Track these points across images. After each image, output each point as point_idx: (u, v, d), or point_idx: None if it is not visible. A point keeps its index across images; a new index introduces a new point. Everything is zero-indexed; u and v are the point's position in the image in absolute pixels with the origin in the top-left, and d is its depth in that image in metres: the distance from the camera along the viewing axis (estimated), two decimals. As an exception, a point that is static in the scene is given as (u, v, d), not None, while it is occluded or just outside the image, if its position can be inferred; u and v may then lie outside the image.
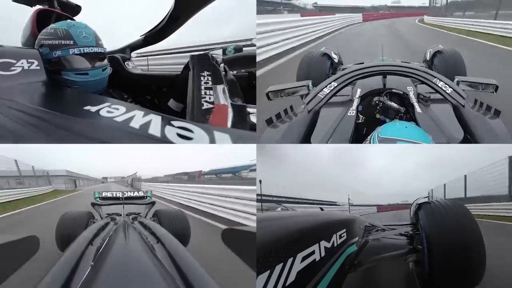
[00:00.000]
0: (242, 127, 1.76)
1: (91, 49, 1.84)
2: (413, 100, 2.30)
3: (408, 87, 2.44)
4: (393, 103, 2.29)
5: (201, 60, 2.27)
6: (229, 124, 1.75)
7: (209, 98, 1.88)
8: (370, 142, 1.63)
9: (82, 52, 1.82)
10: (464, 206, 2.06)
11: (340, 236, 1.61)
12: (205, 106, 1.83)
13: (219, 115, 1.80)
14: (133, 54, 2.99)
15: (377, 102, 2.29)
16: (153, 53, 4.70)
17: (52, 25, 1.87)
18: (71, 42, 1.80)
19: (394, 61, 3.01)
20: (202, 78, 2.08)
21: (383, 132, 1.57)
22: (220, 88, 2.01)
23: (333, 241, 1.49)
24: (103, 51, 1.92)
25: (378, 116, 2.25)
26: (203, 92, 1.93)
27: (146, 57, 4.26)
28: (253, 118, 1.89)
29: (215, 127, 1.31)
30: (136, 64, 2.98)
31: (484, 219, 7.43)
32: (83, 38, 1.83)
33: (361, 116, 2.26)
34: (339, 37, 12.86)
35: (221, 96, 1.94)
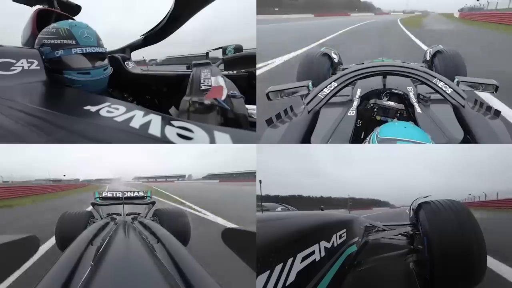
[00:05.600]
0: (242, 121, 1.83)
1: (93, 49, 1.85)
2: (413, 100, 2.30)
3: (408, 87, 2.44)
4: (389, 102, 2.29)
5: (203, 64, 2.53)
6: (223, 97, 1.89)
7: (207, 83, 2.09)
8: (369, 143, 1.62)
9: (84, 52, 1.82)
10: (465, 206, 2.06)
11: (340, 236, 1.61)
12: (203, 88, 2.02)
13: (215, 91, 1.95)
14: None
15: (372, 105, 2.29)
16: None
17: (54, 25, 1.87)
18: (73, 42, 1.80)
19: (394, 62, 3.01)
20: (202, 74, 2.25)
21: (382, 133, 1.57)
22: (217, 76, 2.23)
23: (333, 241, 1.49)
24: (104, 51, 1.93)
25: (378, 118, 2.25)
26: (202, 80, 2.14)
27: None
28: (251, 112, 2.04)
29: (215, 127, 1.31)
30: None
31: None
32: (85, 38, 1.83)
33: (359, 120, 2.26)
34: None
35: (217, 80, 2.16)
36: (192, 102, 1.80)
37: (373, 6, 75.30)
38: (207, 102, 1.79)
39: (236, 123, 1.79)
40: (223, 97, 1.88)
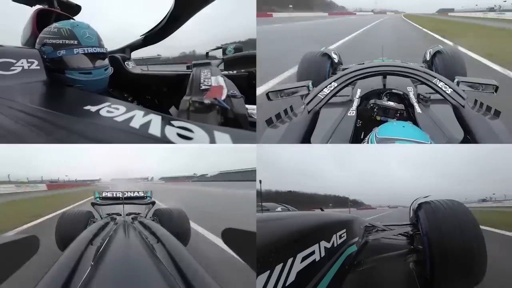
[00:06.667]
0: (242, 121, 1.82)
1: (95, 49, 1.86)
2: (413, 100, 2.30)
3: (408, 88, 2.44)
4: (389, 102, 2.29)
5: (203, 64, 2.58)
6: (223, 96, 1.88)
7: (207, 83, 2.09)
8: (367, 143, 1.62)
9: (86, 52, 1.84)
10: (465, 206, 2.06)
11: (340, 236, 1.61)
12: (203, 87, 2.01)
13: (215, 91, 1.95)
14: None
15: (372, 105, 2.29)
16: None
17: (56, 24, 1.88)
18: (75, 42, 1.82)
19: (394, 62, 3.01)
20: (202, 74, 2.25)
21: (380, 133, 1.57)
22: (217, 76, 2.22)
23: (333, 241, 1.49)
24: (105, 51, 1.95)
25: (378, 118, 2.25)
26: (202, 80, 2.14)
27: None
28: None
29: (216, 127, 1.31)
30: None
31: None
32: (87, 39, 1.85)
33: (359, 121, 2.26)
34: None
35: (217, 80, 2.16)
36: (192, 102, 1.80)
37: (333, 4, 53.93)
38: (207, 101, 1.80)
39: (236, 123, 1.79)
40: (223, 97, 1.88)
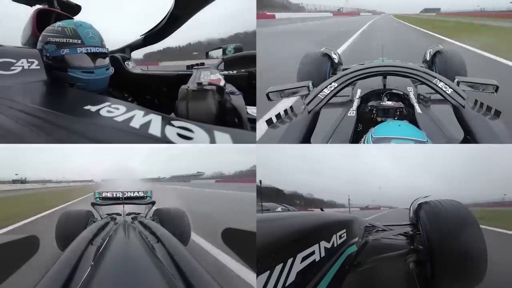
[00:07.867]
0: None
1: (97, 49, 1.88)
2: (413, 100, 2.30)
3: (408, 88, 2.44)
4: (388, 102, 2.29)
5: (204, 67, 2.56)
6: (221, 83, 1.89)
7: (206, 78, 2.06)
8: (364, 143, 1.62)
9: (89, 51, 1.85)
10: (465, 206, 2.06)
11: (340, 237, 1.61)
12: (201, 80, 1.99)
13: (213, 80, 1.95)
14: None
15: (370, 107, 2.29)
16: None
17: (59, 23, 1.89)
18: (79, 42, 1.83)
19: (394, 62, 3.01)
20: (202, 73, 2.25)
21: (376, 132, 1.57)
22: (216, 73, 2.21)
23: (333, 242, 1.49)
24: (106, 51, 1.97)
25: (379, 119, 2.24)
26: (201, 77, 2.11)
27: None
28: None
29: (216, 127, 1.31)
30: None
31: None
32: (90, 38, 1.86)
33: (359, 125, 2.25)
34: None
35: (216, 75, 2.14)
36: (190, 88, 1.83)
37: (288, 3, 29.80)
38: (204, 83, 1.83)
39: (236, 114, 1.80)
40: (222, 83, 1.92)
